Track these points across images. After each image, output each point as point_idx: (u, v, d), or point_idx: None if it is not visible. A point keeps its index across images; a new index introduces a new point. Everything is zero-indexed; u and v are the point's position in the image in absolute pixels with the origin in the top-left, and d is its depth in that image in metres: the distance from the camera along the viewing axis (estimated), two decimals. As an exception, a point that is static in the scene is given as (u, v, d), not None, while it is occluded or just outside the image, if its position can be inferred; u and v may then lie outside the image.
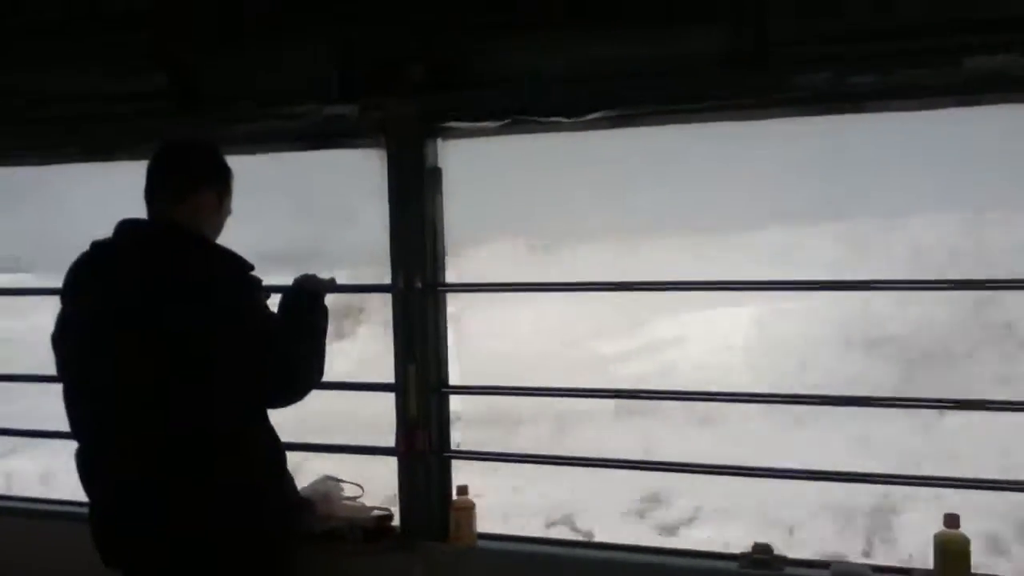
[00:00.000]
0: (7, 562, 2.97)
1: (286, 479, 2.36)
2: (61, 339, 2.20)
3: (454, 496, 2.69)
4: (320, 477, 2.81)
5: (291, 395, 2.23)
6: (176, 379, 2.06)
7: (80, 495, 2.30)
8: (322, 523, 2.69)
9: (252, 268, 2.20)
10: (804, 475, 2.57)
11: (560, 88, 2.51)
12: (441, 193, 2.72)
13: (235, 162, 2.37)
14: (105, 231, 2.21)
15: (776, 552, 2.45)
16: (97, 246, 2.22)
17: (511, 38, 2.58)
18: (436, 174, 2.70)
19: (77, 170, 3.21)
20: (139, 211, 2.23)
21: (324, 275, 2.52)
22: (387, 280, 2.72)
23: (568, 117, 2.51)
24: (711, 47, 2.40)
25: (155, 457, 2.10)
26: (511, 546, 2.72)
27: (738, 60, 2.37)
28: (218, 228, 2.32)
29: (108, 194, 2.80)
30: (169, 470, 2.10)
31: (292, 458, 2.36)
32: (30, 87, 3.05)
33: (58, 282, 2.24)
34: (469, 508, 2.66)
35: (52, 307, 2.25)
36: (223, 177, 2.33)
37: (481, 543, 2.68)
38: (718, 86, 2.39)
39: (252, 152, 2.84)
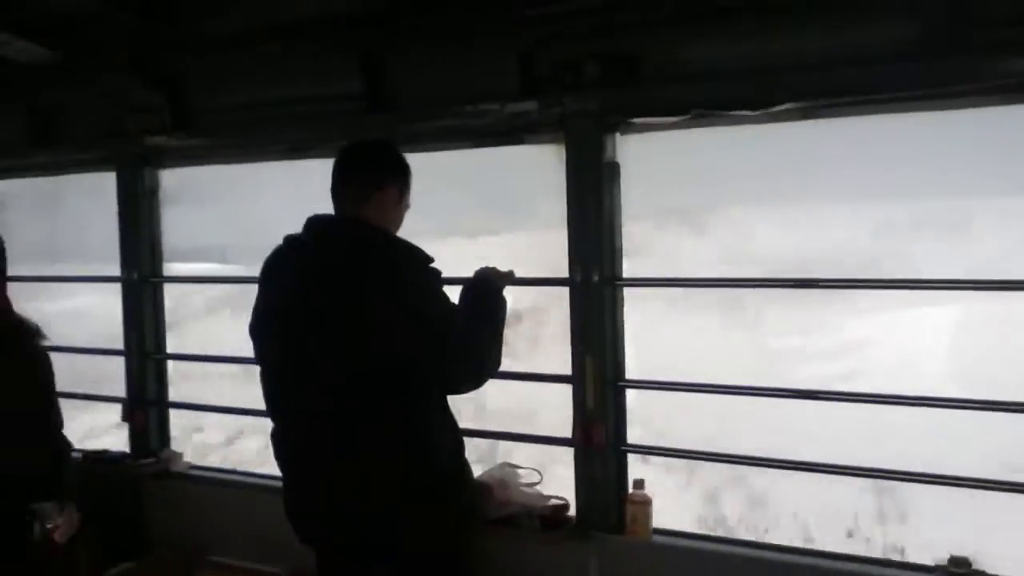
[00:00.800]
0: (229, 531, 3.28)
1: (464, 464, 2.45)
2: (257, 327, 2.38)
3: (630, 489, 2.70)
4: (498, 463, 2.89)
5: (471, 381, 2.30)
6: (364, 366, 2.18)
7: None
8: (499, 509, 2.76)
9: (432, 260, 2.30)
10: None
11: (745, 80, 2.45)
12: (619, 187, 2.73)
13: (420, 159, 2.48)
14: (296, 226, 2.37)
15: (975, 567, 2.29)
16: (289, 240, 2.38)
17: (689, 31, 2.56)
18: (614, 168, 2.72)
19: (273, 168, 3.47)
20: (327, 207, 2.38)
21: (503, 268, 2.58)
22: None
23: (755, 110, 2.45)
24: (908, 33, 2.27)
25: (345, 441, 2.24)
26: (686, 543, 2.69)
27: (935, 46, 2.24)
28: (399, 222, 2.44)
29: (298, 191, 3.01)
30: (358, 454, 2.24)
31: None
32: (244, 94, 3.33)
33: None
34: (646, 502, 2.66)
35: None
36: (403, 174, 2.45)
37: (656, 538, 2.68)
38: (915, 74, 2.26)
39: (438, 149, 2.98)
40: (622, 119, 2.66)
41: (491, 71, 2.81)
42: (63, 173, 4.01)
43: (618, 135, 2.70)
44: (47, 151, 3.83)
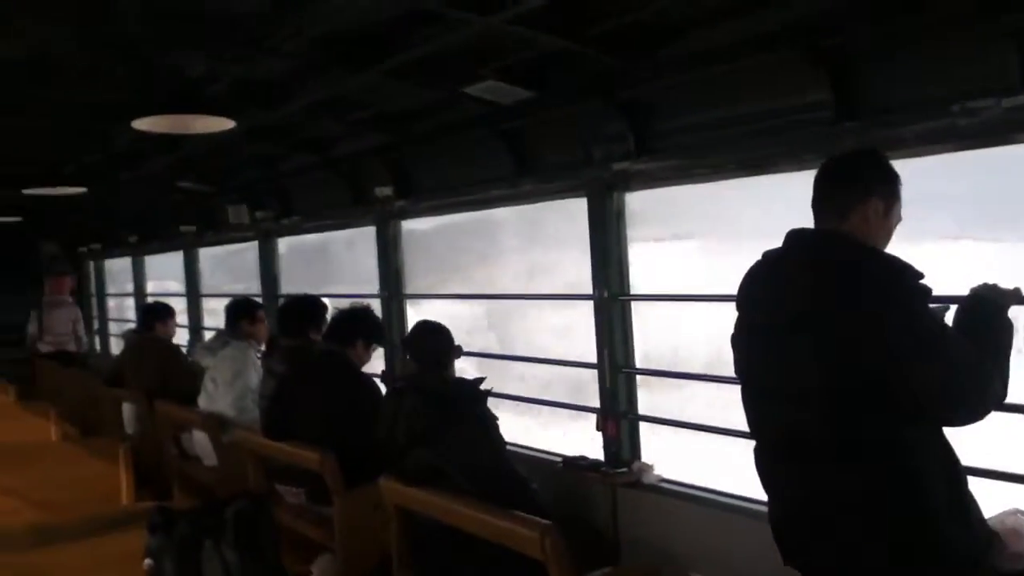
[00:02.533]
0: (700, 548, 3.33)
1: (969, 503, 2.16)
2: (738, 342, 2.34)
3: None
4: (1008, 509, 2.50)
5: (969, 413, 2.04)
6: (845, 386, 2.04)
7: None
8: (1011, 562, 2.38)
9: (922, 276, 2.07)
10: None
11: None
12: None
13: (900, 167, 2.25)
14: (775, 242, 2.28)
15: None
16: (768, 256, 2.30)
17: None
18: None
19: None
20: (807, 221, 2.26)
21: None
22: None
23: None
24: None
25: (823, 461, 2.10)
26: None
27: None
28: (886, 236, 2.23)
29: (774, 207, 2.92)
30: (835, 480, 2.09)
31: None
32: (702, 115, 3.36)
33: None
34: None
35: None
36: (889, 185, 2.23)
37: None
38: None
39: (919, 155, 2.68)
40: None
41: (982, 63, 2.46)
42: (541, 200, 4.41)
43: None
44: (528, 180, 4.25)
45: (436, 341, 3.31)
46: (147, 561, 2.53)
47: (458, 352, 3.35)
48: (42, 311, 9.43)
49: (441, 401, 3.03)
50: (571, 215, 4.10)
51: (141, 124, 3.51)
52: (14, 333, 10.02)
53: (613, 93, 3.61)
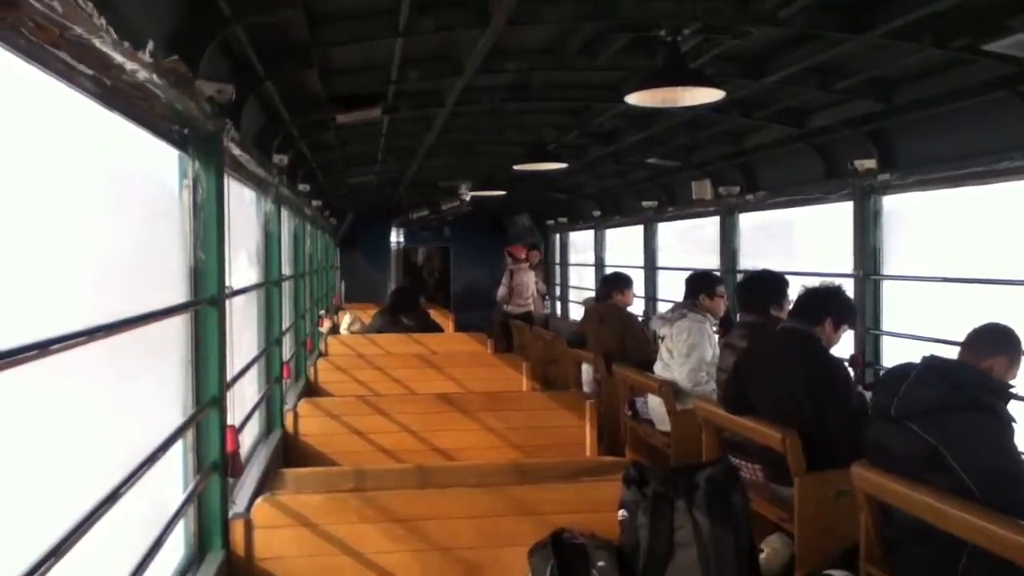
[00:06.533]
0: None
1: None
2: None
3: None
4: None
5: None
6: None
7: None
8: None
9: None
10: None
11: None
12: None
13: None
14: None
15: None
16: None
17: None
18: None
19: None
20: None
21: None
22: None
23: None
24: None
25: None
26: None
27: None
28: None
29: None
30: None
31: None
32: None
33: None
34: None
35: None
36: None
37: None
38: None
39: None
40: None
41: None
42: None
43: None
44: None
45: (995, 340, 2.94)
46: (621, 512, 2.65)
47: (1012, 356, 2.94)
48: (511, 276, 10.64)
49: (953, 378, 2.73)
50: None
51: (632, 98, 3.64)
52: (488, 295, 11.43)
53: None
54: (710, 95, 3.55)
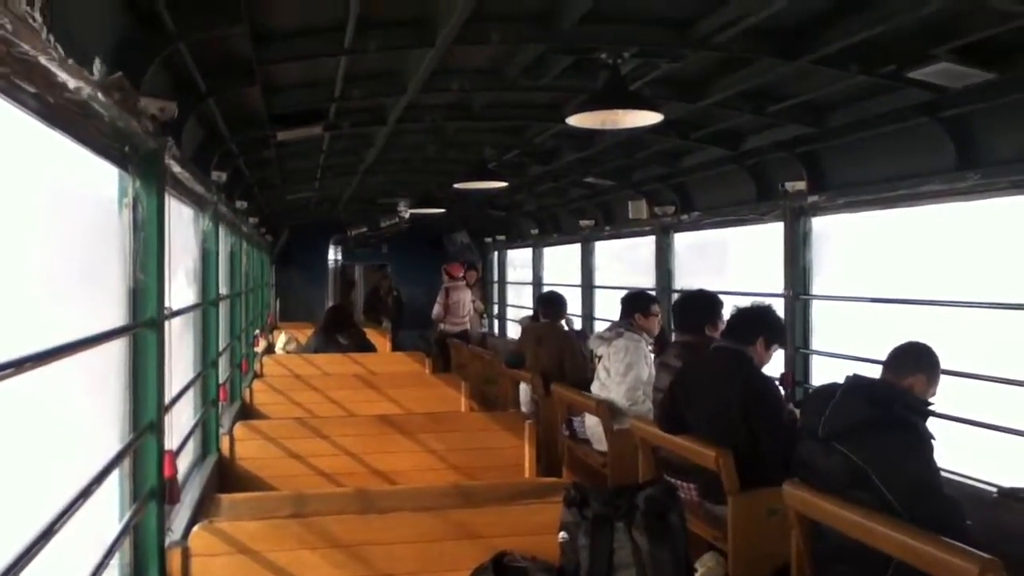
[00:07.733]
0: None
1: None
2: None
3: None
4: None
5: None
6: None
7: None
8: None
9: None
10: None
11: None
12: None
13: None
14: None
15: None
16: None
17: None
18: None
19: None
20: None
21: None
22: None
23: None
24: None
25: None
26: None
27: None
28: None
29: None
30: None
31: None
32: None
33: None
34: None
35: None
36: None
37: None
38: None
39: None
40: None
41: None
42: (986, 196, 3.92)
43: None
44: (973, 172, 3.82)
45: (916, 359, 3.04)
46: (562, 534, 2.66)
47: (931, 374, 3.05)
48: (447, 295, 10.52)
49: (876, 398, 2.82)
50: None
51: (573, 120, 3.69)
52: (424, 313, 11.29)
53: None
54: (649, 118, 3.62)
